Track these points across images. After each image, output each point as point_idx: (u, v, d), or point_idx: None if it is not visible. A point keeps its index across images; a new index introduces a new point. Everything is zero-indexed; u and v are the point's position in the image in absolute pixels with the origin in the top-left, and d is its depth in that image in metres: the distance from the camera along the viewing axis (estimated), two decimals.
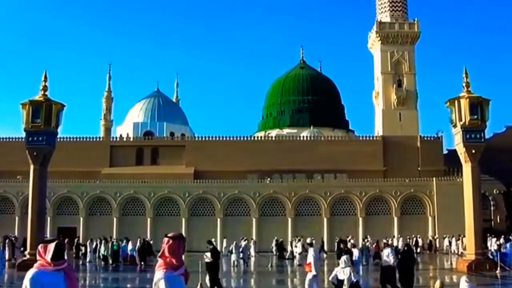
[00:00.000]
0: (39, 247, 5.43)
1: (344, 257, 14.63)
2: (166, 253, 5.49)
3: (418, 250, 46.07)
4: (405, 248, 20.28)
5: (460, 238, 43.84)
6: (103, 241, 36.99)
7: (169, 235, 5.64)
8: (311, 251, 17.38)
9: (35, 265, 5.39)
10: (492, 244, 40.68)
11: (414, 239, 48.36)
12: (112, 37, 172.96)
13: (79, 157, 59.91)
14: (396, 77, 67.38)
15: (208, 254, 18.37)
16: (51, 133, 28.73)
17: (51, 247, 5.35)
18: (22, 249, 42.32)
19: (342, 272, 13.99)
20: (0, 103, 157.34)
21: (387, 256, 18.04)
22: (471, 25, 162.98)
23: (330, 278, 15.44)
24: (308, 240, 28.19)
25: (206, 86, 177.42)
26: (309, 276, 16.49)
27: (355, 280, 13.69)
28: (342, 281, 14.06)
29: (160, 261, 5.56)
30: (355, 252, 26.91)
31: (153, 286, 5.52)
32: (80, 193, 54.89)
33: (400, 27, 68.66)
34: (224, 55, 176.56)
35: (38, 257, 5.42)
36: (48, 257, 5.31)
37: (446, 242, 48.27)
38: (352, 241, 34.94)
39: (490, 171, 54.57)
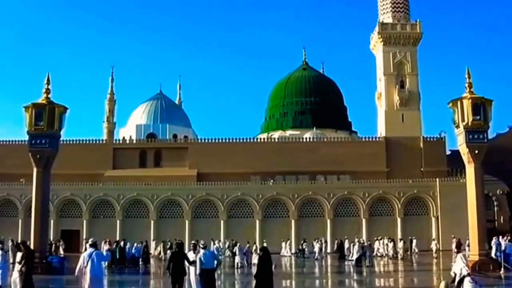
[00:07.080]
0: None
1: (460, 255, 16.26)
2: None
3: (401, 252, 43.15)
4: (260, 253, 18.12)
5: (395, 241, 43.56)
6: (105, 243, 36.89)
7: None
8: None
9: None
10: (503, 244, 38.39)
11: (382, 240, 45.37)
12: (114, 39, 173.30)
13: (82, 160, 59.98)
14: (399, 78, 67.19)
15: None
16: (54, 135, 28.76)
17: None
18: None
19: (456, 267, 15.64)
20: (3, 105, 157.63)
21: (200, 258, 16.36)
22: (474, 26, 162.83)
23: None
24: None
25: (209, 88, 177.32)
26: None
27: (466, 273, 15.05)
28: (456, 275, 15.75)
29: None
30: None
31: None
32: (83, 196, 55.01)
33: (402, 28, 68.47)
34: (226, 57, 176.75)
35: None
36: None
37: (377, 244, 45.70)
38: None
39: (493, 172, 54.37)
